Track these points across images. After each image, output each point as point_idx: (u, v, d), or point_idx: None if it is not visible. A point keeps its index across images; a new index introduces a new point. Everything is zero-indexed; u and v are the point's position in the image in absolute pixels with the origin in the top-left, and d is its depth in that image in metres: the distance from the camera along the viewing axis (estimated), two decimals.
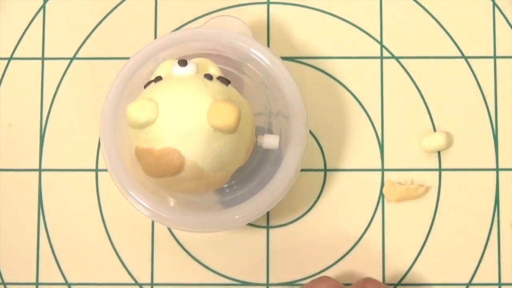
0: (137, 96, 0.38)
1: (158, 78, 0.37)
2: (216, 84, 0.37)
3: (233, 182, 0.40)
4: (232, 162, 0.37)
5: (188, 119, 0.35)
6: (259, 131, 0.40)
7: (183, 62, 0.37)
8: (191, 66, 0.37)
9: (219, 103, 0.35)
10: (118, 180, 0.39)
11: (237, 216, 0.39)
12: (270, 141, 0.39)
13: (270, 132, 0.41)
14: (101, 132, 0.40)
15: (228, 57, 0.41)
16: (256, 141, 0.39)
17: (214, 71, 0.38)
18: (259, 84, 0.41)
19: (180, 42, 0.41)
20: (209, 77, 0.37)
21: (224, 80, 0.37)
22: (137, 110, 0.35)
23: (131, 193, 0.39)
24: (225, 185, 0.40)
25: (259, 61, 0.40)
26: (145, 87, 0.38)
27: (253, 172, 0.40)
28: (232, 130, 0.35)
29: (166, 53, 0.40)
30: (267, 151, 0.40)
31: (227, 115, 0.34)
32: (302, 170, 0.44)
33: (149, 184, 0.39)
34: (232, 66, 0.41)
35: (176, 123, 0.35)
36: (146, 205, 0.39)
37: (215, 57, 0.40)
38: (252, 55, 0.40)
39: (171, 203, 0.40)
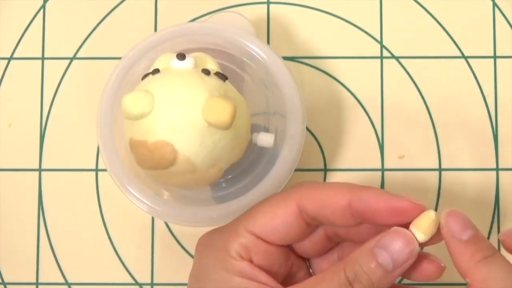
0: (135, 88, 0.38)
1: (156, 71, 0.37)
2: (213, 80, 0.36)
3: (229, 177, 0.40)
4: (226, 158, 0.37)
5: (183, 113, 0.35)
6: (256, 129, 0.40)
7: (181, 56, 0.37)
8: (189, 60, 0.37)
9: (214, 99, 0.35)
10: (115, 174, 0.39)
11: (229, 212, 0.39)
12: (265, 139, 0.39)
13: (266, 130, 0.40)
14: (97, 122, 0.40)
15: (229, 54, 0.41)
16: (251, 139, 0.39)
17: (212, 66, 0.38)
18: (258, 82, 0.41)
19: (181, 35, 0.40)
20: (206, 72, 0.37)
21: (222, 76, 0.37)
22: (132, 102, 0.35)
23: (128, 187, 0.39)
24: (221, 180, 0.40)
25: (260, 58, 0.40)
26: (142, 79, 0.38)
27: (248, 169, 0.40)
28: (227, 127, 0.35)
29: (167, 45, 0.40)
30: (263, 148, 0.40)
31: (222, 112, 0.34)
32: (302, 169, 0.43)
33: (146, 178, 0.39)
34: (234, 63, 0.41)
35: (171, 117, 0.35)
36: (144, 200, 0.39)
37: (217, 52, 0.40)
38: (252, 52, 0.40)
39: (165, 196, 0.40)
